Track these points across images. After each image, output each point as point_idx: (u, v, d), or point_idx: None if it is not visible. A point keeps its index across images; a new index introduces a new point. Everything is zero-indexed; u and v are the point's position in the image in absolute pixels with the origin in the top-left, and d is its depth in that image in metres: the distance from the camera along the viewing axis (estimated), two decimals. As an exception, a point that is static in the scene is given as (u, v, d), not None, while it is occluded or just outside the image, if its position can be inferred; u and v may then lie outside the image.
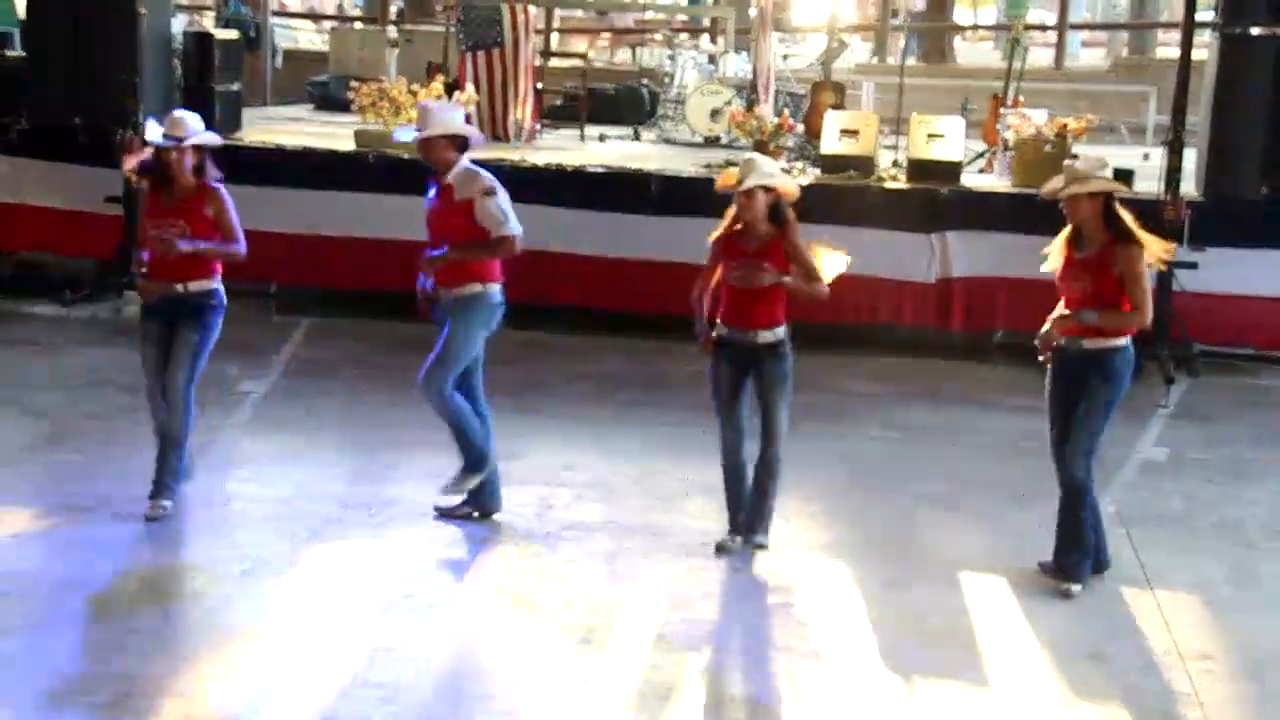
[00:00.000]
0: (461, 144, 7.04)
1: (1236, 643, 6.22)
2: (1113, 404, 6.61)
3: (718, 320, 6.88)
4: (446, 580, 6.63)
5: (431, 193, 7.05)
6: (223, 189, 7.14)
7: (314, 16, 25.73)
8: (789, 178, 6.97)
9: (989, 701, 5.68)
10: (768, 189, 6.73)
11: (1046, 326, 6.68)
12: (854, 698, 5.67)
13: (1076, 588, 6.63)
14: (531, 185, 11.45)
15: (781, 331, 6.86)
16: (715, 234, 6.89)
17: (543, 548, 7.00)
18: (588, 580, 6.63)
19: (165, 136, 7.01)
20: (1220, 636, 6.26)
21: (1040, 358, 6.76)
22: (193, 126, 7.07)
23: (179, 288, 7.07)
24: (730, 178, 6.79)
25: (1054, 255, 6.77)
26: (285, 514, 7.27)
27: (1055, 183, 6.75)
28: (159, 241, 6.98)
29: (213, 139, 7.22)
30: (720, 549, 6.92)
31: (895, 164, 12.03)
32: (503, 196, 6.93)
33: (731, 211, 6.84)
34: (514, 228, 6.92)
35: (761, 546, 6.93)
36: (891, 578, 6.81)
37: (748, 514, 6.96)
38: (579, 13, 23.26)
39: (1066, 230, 6.77)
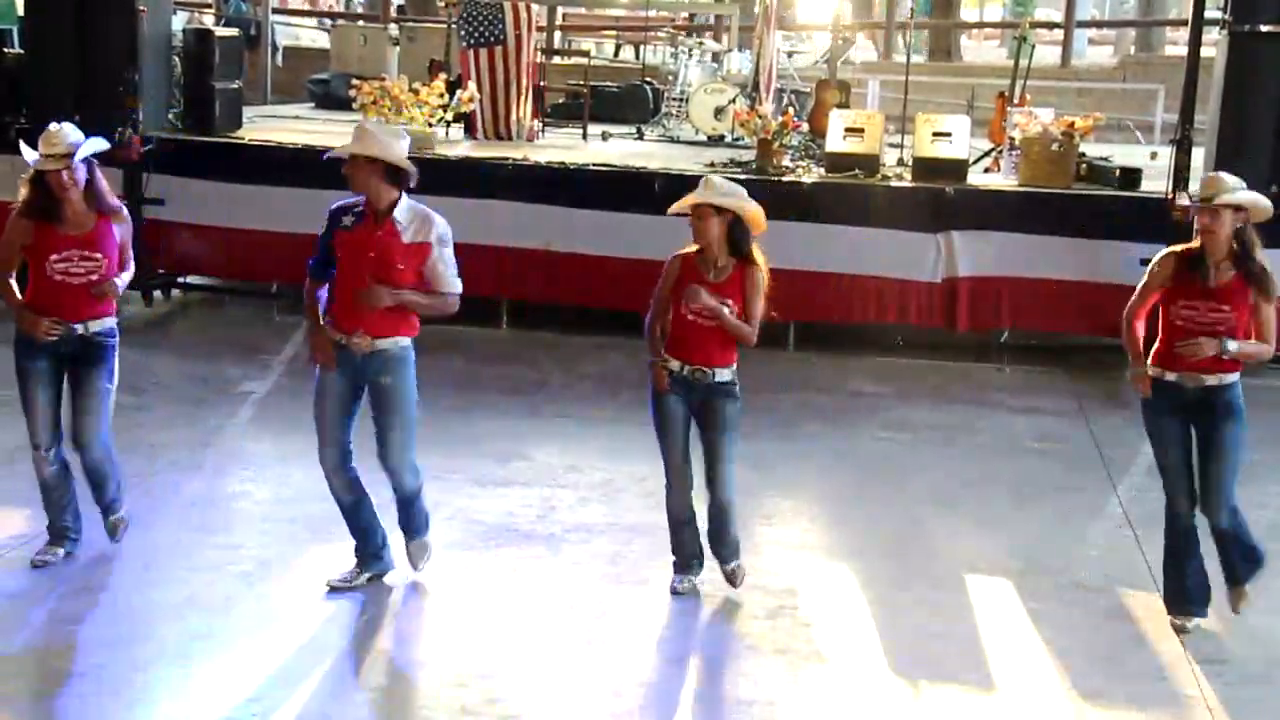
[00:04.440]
0: (394, 175, 6.02)
1: (1245, 645, 6.16)
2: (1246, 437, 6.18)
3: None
4: (449, 582, 6.57)
5: (349, 219, 6.08)
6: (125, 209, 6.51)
7: (315, 14, 25.68)
8: (752, 203, 6.22)
9: (994, 705, 5.63)
10: (720, 210, 6.11)
11: (1138, 362, 6.12)
12: (856, 700, 5.62)
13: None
14: (533, 184, 11.45)
15: (727, 374, 6.26)
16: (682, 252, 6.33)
17: (545, 550, 6.96)
18: (590, 582, 6.59)
19: (44, 156, 6.11)
20: (1229, 639, 6.20)
21: (1141, 392, 6.20)
22: (74, 138, 6.16)
23: (79, 328, 6.28)
24: (684, 202, 6.23)
25: (1162, 276, 6.15)
26: (286, 515, 7.22)
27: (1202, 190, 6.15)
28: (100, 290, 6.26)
29: (100, 145, 6.30)
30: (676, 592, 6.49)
31: (900, 162, 11.99)
32: (451, 247, 6.19)
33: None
34: (459, 284, 6.19)
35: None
36: (894, 579, 6.77)
37: (719, 549, 6.49)
38: (582, 10, 23.24)
39: (1181, 249, 6.17)
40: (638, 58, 19.04)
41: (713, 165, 11.76)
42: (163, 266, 12.02)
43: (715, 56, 15.66)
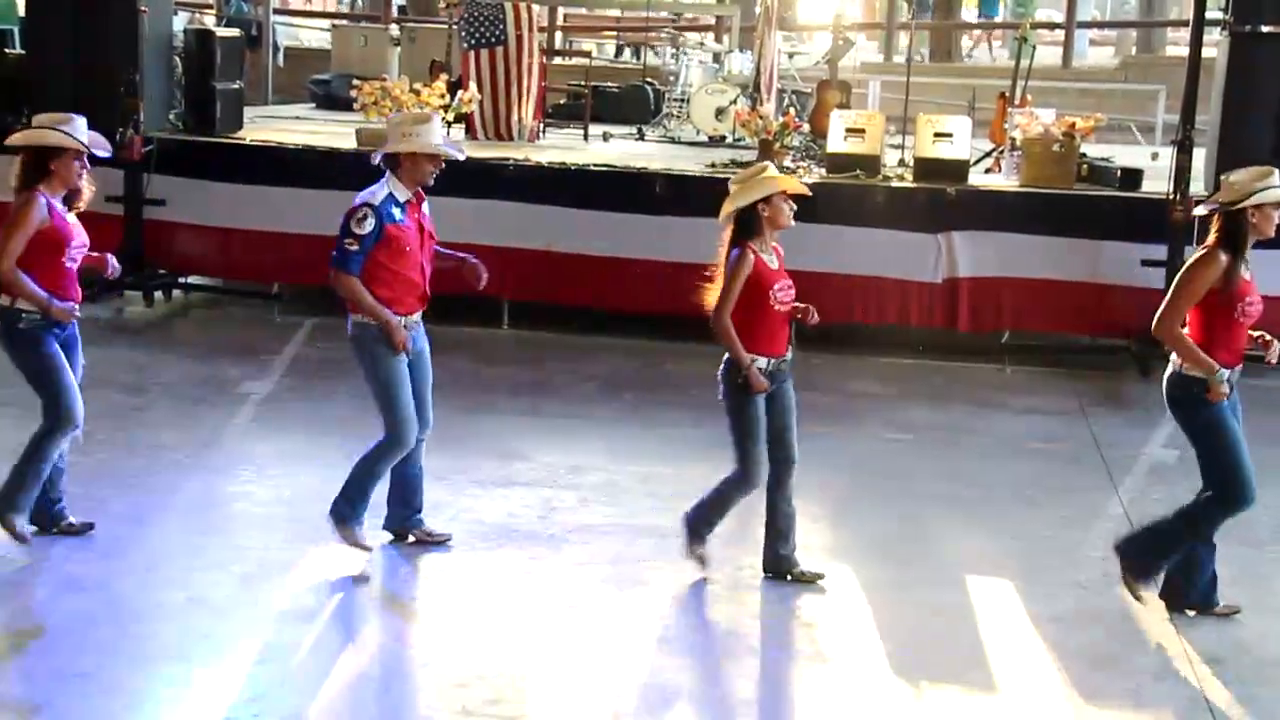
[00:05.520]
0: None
1: (1245, 646, 6.16)
2: None
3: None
4: (450, 582, 6.57)
5: (397, 211, 6.41)
6: None
7: (316, 14, 25.70)
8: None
9: (995, 705, 5.62)
10: None
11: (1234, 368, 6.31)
12: (859, 700, 5.62)
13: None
14: (535, 184, 11.45)
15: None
16: (749, 248, 6.49)
17: (546, 550, 6.95)
18: (591, 583, 6.58)
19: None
20: (1229, 639, 6.19)
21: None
22: None
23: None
24: (793, 182, 6.60)
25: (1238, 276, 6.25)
26: (287, 515, 7.22)
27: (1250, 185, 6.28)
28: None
29: None
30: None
31: (902, 163, 12.00)
32: None
33: (775, 216, 6.58)
34: None
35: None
36: (895, 579, 6.77)
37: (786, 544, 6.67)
38: (583, 10, 23.26)
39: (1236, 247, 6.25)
40: (639, 58, 19.05)
41: (714, 166, 11.76)
42: (164, 267, 12.03)
43: (716, 57, 15.67)
